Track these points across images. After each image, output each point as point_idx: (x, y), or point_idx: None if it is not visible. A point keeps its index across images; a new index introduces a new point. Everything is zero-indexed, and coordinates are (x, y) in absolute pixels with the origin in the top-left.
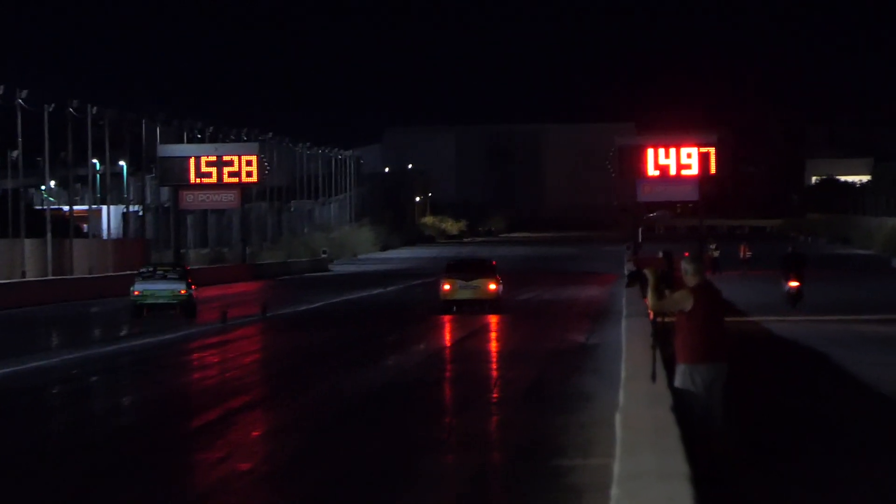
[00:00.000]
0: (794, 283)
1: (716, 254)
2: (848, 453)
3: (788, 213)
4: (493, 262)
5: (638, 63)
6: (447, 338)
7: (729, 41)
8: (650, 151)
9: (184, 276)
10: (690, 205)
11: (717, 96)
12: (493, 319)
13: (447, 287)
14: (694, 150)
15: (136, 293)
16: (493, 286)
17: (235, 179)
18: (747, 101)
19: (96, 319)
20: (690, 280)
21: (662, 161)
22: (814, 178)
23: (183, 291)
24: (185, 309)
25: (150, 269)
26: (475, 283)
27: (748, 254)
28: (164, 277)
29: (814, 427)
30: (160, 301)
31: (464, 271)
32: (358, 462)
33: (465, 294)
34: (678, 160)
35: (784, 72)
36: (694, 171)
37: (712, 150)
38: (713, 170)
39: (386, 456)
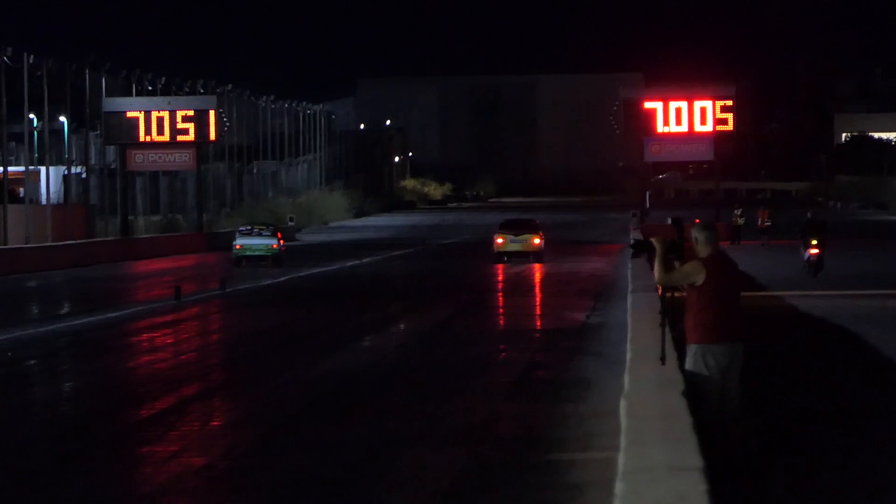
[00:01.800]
0: (814, 251)
1: (741, 221)
2: (881, 448)
3: (815, 176)
4: (537, 222)
5: (645, 4)
6: (431, 317)
7: None
8: (659, 105)
9: (275, 233)
10: (705, 165)
11: (736, 44)
12: (483, 297)
13: (500, 241)
14: (709, 104)
15: (237, 247)
16: (537, 240)
17: (190, 137)
18: (769, 49)
19: (33, 295)
20: (701, 250)
21: (673, 116)
22: (844, 136)
23: (275, 246)
24: (276, 260)
25: (249, 227)
26: (522, 237)
27: (767, 222)
28: (259, 234)
29: (843, 417)
30: (256, 254)
31: (513, 228)
32: (328, 457)
33: (514, 247)
34: (691, 115)
35: (811, 17)
36: (709, 127)
37: (730, 104)
38: (731, 126)
39: (359, 451)
